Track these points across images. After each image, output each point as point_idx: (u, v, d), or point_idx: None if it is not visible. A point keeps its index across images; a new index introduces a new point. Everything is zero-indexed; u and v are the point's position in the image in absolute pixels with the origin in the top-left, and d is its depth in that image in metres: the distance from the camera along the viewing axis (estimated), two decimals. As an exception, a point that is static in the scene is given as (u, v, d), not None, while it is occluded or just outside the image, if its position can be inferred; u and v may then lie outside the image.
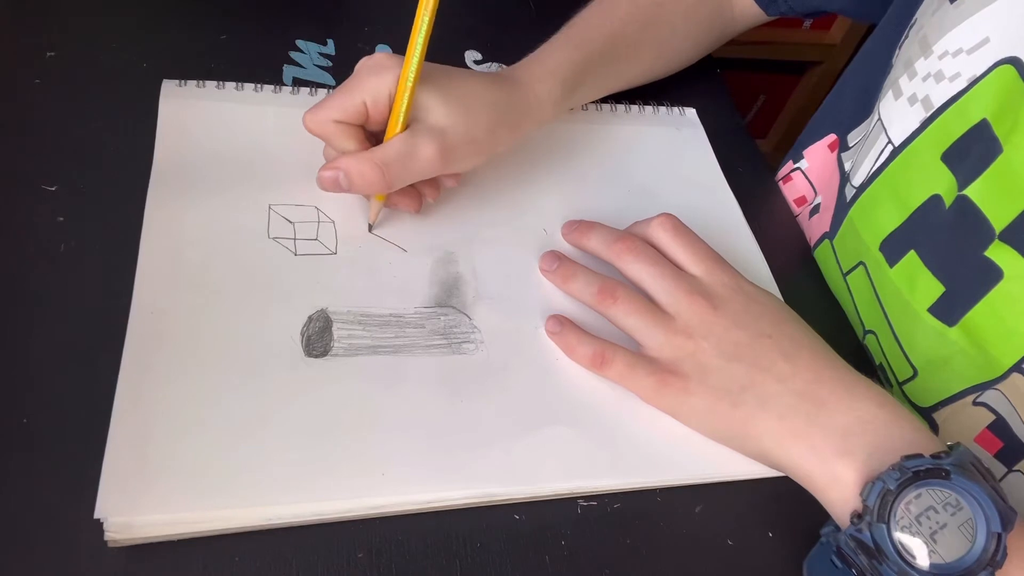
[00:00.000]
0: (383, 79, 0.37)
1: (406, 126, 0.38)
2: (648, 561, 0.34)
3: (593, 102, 0.52)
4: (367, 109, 0.37)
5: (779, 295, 0.44)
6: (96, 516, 0.29)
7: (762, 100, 1.28)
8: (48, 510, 0.30)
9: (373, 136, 0.39)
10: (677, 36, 0.52)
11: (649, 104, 0.54)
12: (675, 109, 0.55)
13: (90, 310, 0.35)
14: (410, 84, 0.36)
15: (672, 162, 0.51)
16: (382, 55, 0.38)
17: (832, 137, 0.51)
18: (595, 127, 0.51)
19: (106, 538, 0.29)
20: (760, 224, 0.49)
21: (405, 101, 0.37)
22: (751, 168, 0.53)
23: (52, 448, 0.31)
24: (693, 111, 0.55)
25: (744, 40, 0.59)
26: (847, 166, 0.49)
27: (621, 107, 0.53)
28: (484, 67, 0.53)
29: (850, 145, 0.50)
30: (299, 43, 0.50)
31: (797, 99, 1.29)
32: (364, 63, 0.38)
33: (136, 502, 0.30)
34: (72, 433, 0.31)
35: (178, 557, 0.30)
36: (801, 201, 0.53)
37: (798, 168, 0.53)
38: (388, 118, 0.38)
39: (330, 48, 0.51)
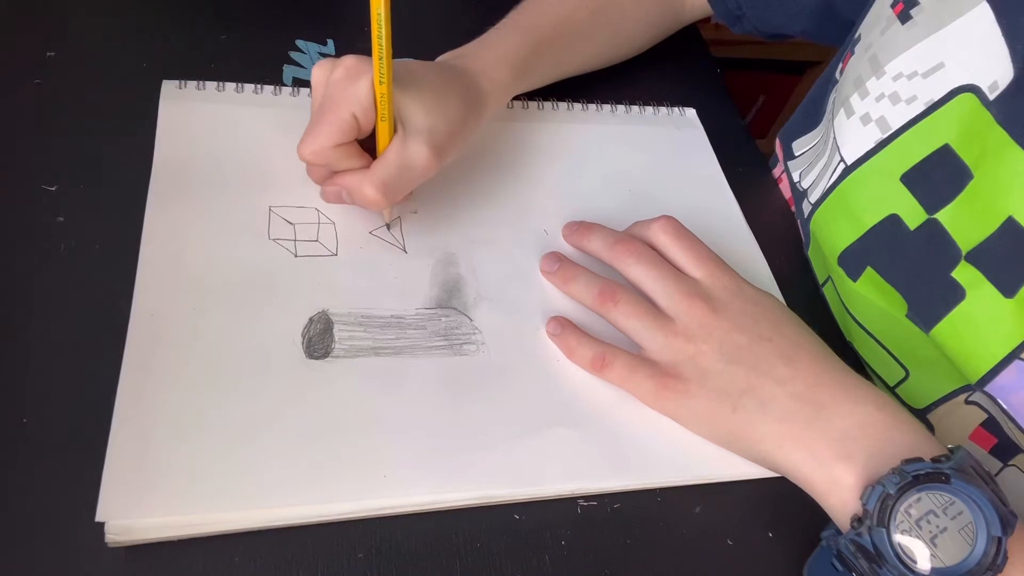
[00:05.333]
0: (361, 85, 0.35)
1: (393, 131, 0.37)
2: (648, 561, 0.34)
3: (593, 102, 0.52)
4: (358, 122, 0.36)
5: (780, 296, 0.44)
6: (98, 519, 0.29)
7: (762, 100, 1.28)
8: (48, 510, 0.30)
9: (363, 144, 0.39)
10: (628, 20, 0.52)
11: (649, 104, 0.54)
12: (675, 109, 0.55)
13: (90, 310, 0.35)
14: (384, 88, 0.34)
15: (672, 162, 0.51)
16: (347, 61, 0.36)
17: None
18: (595, 127, 0.51)
19: (107, 539, 0.29)
20: (760, 225, 0.49)
21: (388, 107, 0.35)
22: (751, 168, 0.53)
23: (52, 448, 0.31)
24: (693, 111, 0.55)
25: (744, 40, 0.59)
26: (795, 176, 0.50)
27: (621, 107, 0.53)
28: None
29: (796, 154, 0.51)
30: (299, 43, 0.50)
31: (797, 99, 1.29)
32: (332, 76, 0.36)
33: (138, 505, 0.30)
34: (72, 433, 0.32)
35: (178, 557, 0.30)
36: (792, 202, 0.53)
37: (785, 171, 0.53)
38: (375, 124, 0.36)
39: (330, 48, 0.51)
